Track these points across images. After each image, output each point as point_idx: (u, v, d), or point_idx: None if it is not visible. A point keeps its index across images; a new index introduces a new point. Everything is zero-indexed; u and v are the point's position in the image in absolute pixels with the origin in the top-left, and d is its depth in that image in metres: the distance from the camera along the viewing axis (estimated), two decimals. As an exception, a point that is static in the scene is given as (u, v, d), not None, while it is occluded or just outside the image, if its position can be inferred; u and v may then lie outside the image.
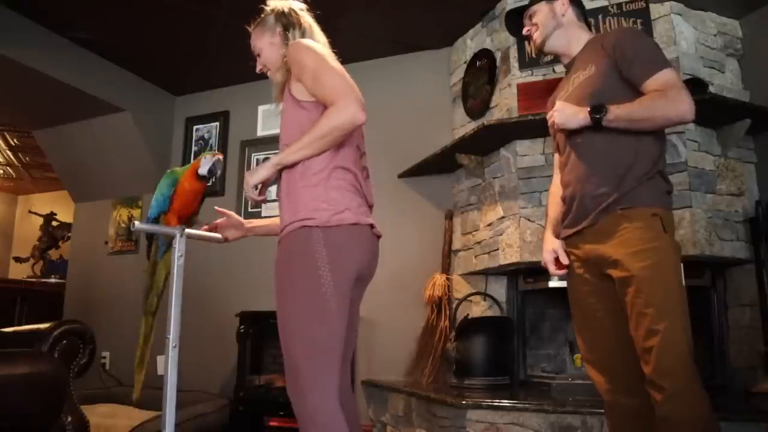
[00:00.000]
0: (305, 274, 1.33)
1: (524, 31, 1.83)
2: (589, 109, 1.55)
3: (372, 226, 1.46)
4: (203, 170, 1.72)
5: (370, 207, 1.53)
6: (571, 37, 1.77)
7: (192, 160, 1.97)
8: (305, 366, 1.31)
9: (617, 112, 1.53)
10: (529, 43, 1.86)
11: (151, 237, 1.81)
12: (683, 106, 1.50)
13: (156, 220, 1.74)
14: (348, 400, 1.51)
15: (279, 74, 1.57)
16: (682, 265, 1.55)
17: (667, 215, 1.57)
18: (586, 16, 1.85)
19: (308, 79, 1.42)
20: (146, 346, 1.74)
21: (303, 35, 1.59)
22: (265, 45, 1.66)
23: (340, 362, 1.36)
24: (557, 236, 1.77)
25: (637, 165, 1.57)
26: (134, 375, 1.73)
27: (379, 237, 1.51)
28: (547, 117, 1.67)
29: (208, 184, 1.79)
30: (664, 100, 1.51)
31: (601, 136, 1.58)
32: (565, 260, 1.71)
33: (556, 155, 1.85)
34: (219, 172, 1.76)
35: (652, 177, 1.57)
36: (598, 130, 1.56)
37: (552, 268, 1.74)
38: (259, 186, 1.46)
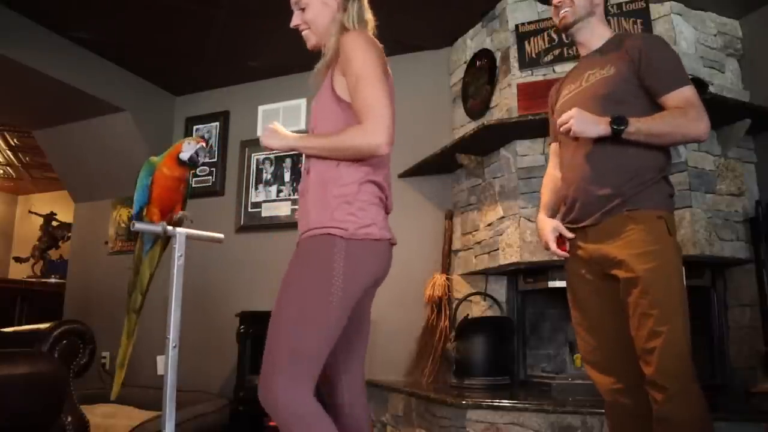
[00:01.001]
0: (318, 279, 1.31)
1: (555, 1, 1.75)
2: (610, 119, 1.53)
3: (390, 240, 1.45)
4: (185, 156, 1.64)
5: (388, 214, 1.51)
6: (595, 29, 1.74)
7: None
8: (288, 366, 1.28)
9: (638, 126, 1.52)
10: (555, 16, 1.76)
11: (136, 233, 1.72)
12: (702, 126, 1.52)
13: (140, 215, 1.67)
14: (359, 400, 1.52)
15: (331, 41, 1.47)
16: (683, 266, 1.56)
17: (671, 218, 1.58)
18: (608, 13, 1.83)
19: (351, 80, 1.37)
20: (129, 343, 1.71)
21: (360, 7, 1.51)
22: (315, 1, 1.51)
23: (319, 370, 1.34)
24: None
25: (644, 170, 1.57)
26: (115, 373, 1.70)
27: (394, 245, 1.49)
28: (561, 117, 1.62)
29: (191, 171, 1.72)
30: (684, 118, 1.52)
31: (611, 140, 1.57)
32: (568, 234, 1.68)
33: (554, 144, 1.85)
34: (202, 160, 1.67)
35: (657, 181, 1.59)
36: (615, 141, 1.55)
37: (554, 246, 1.70)
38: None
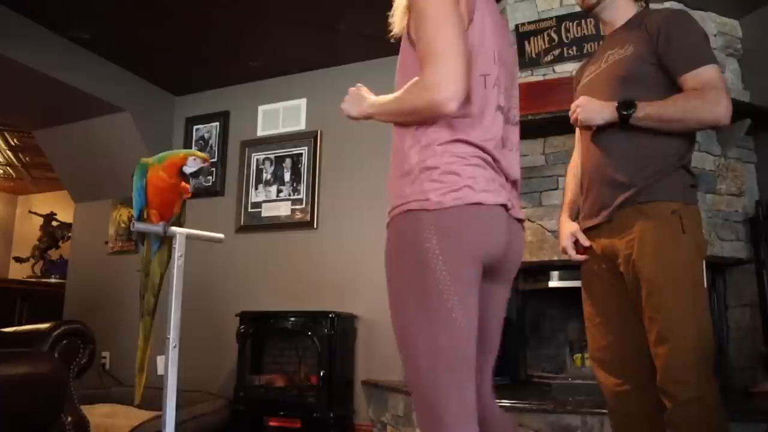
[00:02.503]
0: (415, 269, 1.06)
1: None
2: (617, 104, 1.46)
3: (506, 206, 1.14)
4: (189, 170, 1.63)
5: (513, 183, 1.20)
6: (619, 7, 1.64)
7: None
8: (432, 384, 1.05)
9: (647, 110, 1.44)
10: None
11: (143, 236, 1.71)
12: (719, 109, 1.42)
13: (141, 217, 1.66)
14: (492, 408, 1.25)
15: None
16: (704, 264, 1.47)
17: (688, 211, 1.48)
18: None
19: (413, 19, 1.10)
20: (147, 347, 1.69)
21: None
22: None
23: (473, 373, 1.08)
24: (573, 219, 1.70)
25: (660, 158, 1.49)
26: (135, 378, 1.68)
27: (519, 220, 1.21)
28: (571, 109, 1.57)
29: (189, 186, 1.71)
30: (699, 101, 1.43)
31: (624, 127, 1.49)
32: (585, 242, 1.63)
33: (578, 130, 1.73)
34: (201, 180, 1.68)
35: (676, 170, 1.50)
36: (625, 127, 1.48)
37: (572, 252, 1.65)
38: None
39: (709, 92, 1.42)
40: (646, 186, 1.48)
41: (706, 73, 1.45)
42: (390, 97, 1.15)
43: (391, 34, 1.25)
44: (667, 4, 2.68)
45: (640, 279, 1.46)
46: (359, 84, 1.26)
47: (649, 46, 1.52)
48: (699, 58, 1.47)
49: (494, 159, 1.13)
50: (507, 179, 1.17)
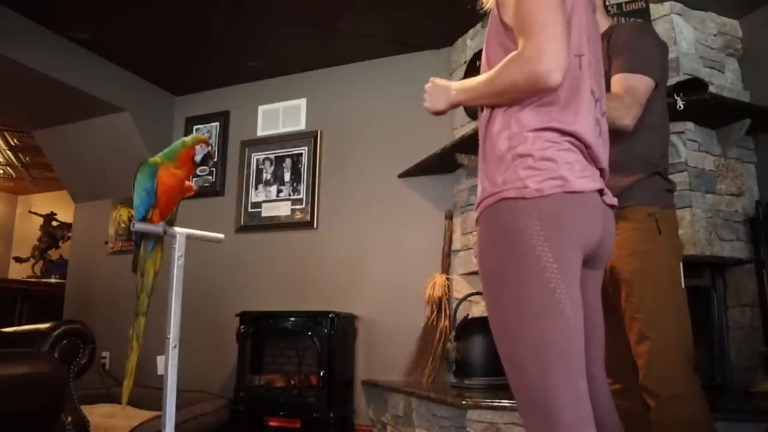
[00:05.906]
0: (518, 258, 1.00)
1: None
2: None
3: (601, 192, 1.10)
4: (198, 157, 1.65)
5: (601, 171, 1.14)
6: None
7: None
8: (541, 385, 0.97)
9: None
10: None
11: (140, 236, 1.69)
12: (629, 116, 1.47)
13: (146, 218, 1.63)
14: (608, 412, 1.16)
15: None
16: (681, 265, 1.53)
17: (663, 215, 1.54)
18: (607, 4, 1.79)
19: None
20: (138, 348, 1.65)
21: None
22: None
23: (584, 371, 1.01)
24: None
25: (634, 165, 1.54)
26: (124, 381, 1.62)
27: (612, 207, 1.14)
28: None
29: (193, 184, 1.72)
30: (618, 103, 1.48)
31: None
32: None
33: None
34: (210, 163, 1.73)
35: (650, 176, 1.55)
36: None
37: None
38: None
39: (628, 97, 1.47)
40: (623, 192, 1.52)
41: (636, 81, 1.49)
42: (482, 78, 1.10)
43: (483, 7, 1.23)
44: (667, 5, 2.68)
45: (619, 280, 1.50)
46: (432, 78, 1.24)
47: (608, 58, 1.57)
48: (638, 66, 1.51)
49: (587, 146, 1.08)
50: (596, 166, 1.12)
